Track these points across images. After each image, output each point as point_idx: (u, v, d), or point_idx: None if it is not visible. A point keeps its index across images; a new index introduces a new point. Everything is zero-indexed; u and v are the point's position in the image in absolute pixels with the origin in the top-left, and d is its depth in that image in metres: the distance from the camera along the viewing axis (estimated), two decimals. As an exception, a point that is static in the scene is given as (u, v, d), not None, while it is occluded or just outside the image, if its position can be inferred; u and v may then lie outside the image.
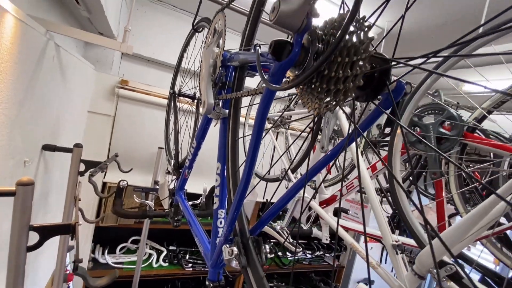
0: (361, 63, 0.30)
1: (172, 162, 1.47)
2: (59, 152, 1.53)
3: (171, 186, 1.55)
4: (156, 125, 2.76)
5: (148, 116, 2.76)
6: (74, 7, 1.79)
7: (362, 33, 0.30)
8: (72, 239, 0.99)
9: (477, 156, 1.54)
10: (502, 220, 1.21)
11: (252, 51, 0.51)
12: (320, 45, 0.34)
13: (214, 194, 0.79)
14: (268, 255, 0.61)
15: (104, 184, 2.66)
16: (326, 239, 1.87)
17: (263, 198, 2.66)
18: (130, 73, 3.10)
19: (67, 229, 0.96)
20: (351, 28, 0.30)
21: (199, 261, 3.39)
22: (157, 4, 3.08)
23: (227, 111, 0.77)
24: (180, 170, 1.45)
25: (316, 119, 1.45)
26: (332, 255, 4.71)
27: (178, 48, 1.86)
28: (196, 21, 1.54)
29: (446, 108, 1.35)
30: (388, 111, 0.39)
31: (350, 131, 0.43)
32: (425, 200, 2.40)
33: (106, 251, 3.06)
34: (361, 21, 0.31)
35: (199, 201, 1.69)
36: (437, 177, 1.26)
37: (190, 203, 1.64)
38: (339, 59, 0.31)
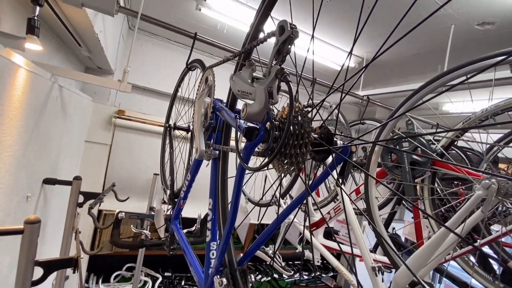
0: (305, 144, 0.42)
1: (168, 192, 1.55)
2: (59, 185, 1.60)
3: (167, 213, 1.62)
4: (151, 152, 2.85)
5: (144, 144, 2.85)
6: (76, 48, 1.94)
7: (305, 124, 0.43)
8: (74, 272, 1.05)
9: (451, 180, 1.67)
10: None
11: (233, 115, 0.63)
12: (277, 132, 0.46)
13: (207, 228, 0.88)
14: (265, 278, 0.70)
15: (100, 212, 2.71)
16: (318, 261, 1.93)
17: (257, 220, 2.71)
18: (126, 101, 3.23)
19: (70, 263, 1.03)
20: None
21: (195, 287, 3.37)
22: (152, 38, 3.27)
23: (217, 152, 0.89)
24: (176, 200, 1.53)
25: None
26: (330, 275, 4.70)
27: (172, 78, 2.00)
28: (189, 61, 1.68)
29: (417, 136, 1.48)
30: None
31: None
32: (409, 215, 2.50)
33: (100, 280, 3.03)
34: (303, 112, 0.44)
35: (193, 228, 1.76)
36: (413, 201, 1.37)
37: (185, 230, 1.71)
38: (290, 142, 0.43)
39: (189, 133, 1.76)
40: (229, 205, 0.66)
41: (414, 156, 1.47)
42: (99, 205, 2.64)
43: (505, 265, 1.34)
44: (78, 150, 2.41)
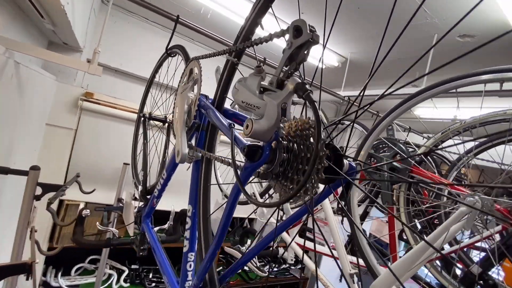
0: (317, 170, 0.36)
1: (140, 188, 1.44)
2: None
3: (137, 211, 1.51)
4: (121, 140, 2.66)
5: (113, 130, 2.65)
6: (38, 20, 1.70)
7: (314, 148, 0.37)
8: (28, 279, 0.92)
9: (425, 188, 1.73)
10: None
11: (226, 123, 0.55)
12: (285, 154, 0.40)
13: (184, 237, 0.81)
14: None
15: (61, 202, 2.49)
16: (292, 260, 1.94)
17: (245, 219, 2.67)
18: (95, 83, 2.96)
19: (22, 269, 0.90)
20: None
21: (163, 280, 3.28)
22: (127, 15, 3.01)
23: (200, 154, 0.80)
24: (148, 197, 1.43)
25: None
26: (298, 267, 4.84)
27: (147, 61, 1.83)
28: (170, 45, 1.55)
29: (397, 143, 1.51)
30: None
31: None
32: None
33: (59, 273, 2.82)
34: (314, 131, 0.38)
35: (166, 225, 1.66)
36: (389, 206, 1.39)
37: (157, 228, 1.61)
38: (300, 167, 0.37)
39: (166, 124, 1.64)
40: (218, 224, 0.59)
41: (394, 163, 1.49)
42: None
43: (468, 270, 1.43)
44: (37, 134, 2.17)
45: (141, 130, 1.74)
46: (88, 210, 1.26)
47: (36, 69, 1.76)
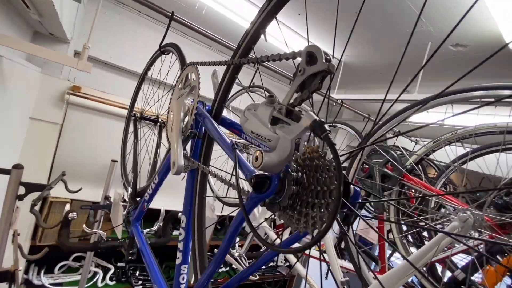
0: (334, 208, 0.35)
1: (129, 190, 1.40)
2: (-6, 173, 1.35)
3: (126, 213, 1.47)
4: (110, 136, 2.58)
5: (102, 126, 2.57)
6: (23, 9, 1.61)
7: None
8: (10, 287, 0.88)
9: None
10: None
11: (229, 143, 0.53)
12: (294, 187, 0.38)
13: (178, 249, 0.78)
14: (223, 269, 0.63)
15: (45, 198, 2.40)
16: (281, 262, 1.95)
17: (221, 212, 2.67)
18: (83, 76, 2.85)
19: (4, 277, 0.86)
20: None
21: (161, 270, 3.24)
22: (118, 7, 2.91)
23: (196, 162, 0.78)
24: (138, 199, 1.39)
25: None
26: (286, 265, 4.89)
27: (139, 55, 1.76)
28: (163, 43, 1.50)
29: (389, 150, 1.53)
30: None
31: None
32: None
33: (42, 271, 2.74)
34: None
35: (155, 227, 1.63)
36: (379, 212, 1.41)
37: (146, 230, 1.58)
38: (310, 200, 0.36)
39: (158, 124, 1.59)
40: (218, 248, 0.57)
41: (385, 169, 1.51)
42: (45, 192, 2.34)
43: (452, 276, 1.47)
44: (20, 129, 2.08)
45: (131, 129, 1.69)
46: (75, 213, 1.21)
47: (20, 61, 1.68)
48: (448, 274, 1.66)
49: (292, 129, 0.38)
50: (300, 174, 0.38)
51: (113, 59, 2.98)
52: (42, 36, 2.24)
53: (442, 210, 1.88)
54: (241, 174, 0.49)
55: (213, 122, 0.66)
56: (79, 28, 2.60)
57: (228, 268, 3.93)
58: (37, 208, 1.46)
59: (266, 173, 0.40)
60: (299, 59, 0.38)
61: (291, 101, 0.40)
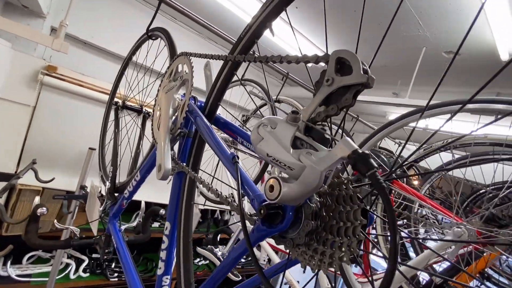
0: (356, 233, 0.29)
1: (108, 184, 1.30)
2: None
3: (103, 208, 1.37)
4: (88, 122, 2.42)
5: (80, 111, 2.40)
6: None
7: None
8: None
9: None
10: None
11: (229, 155, 0.45)
12: (313, 222, 0.32)
13: (160, 258, 0.71)
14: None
15: (12, 187, 2.22)
16: (264, 260, 1.92)
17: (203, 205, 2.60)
18: (60, 56, 2.62)
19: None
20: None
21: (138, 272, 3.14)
22: (103, -18, 2.69)
23: (184, 164, 0.70)
24: (116, 195, 1.30)
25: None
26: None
27: (123, 37, 1.62)
28: (151, 27, 1.39)
29: (380, 154, 1.51)
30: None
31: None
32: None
33: (8, 262, 2.57)
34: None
35: (135, 223, 1.54)
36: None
37: (124, 227, 1.49)
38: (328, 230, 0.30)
39: (141, 115, 1.49)
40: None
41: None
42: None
43: (430, 279, 1.51)
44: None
45: (112, 117, 1.57)
46: (45, 209, 1.11)
47: (-14, 35, 1.50)
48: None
49: (322, 158, 0.31)
50: (319, 205, 0.32)
51: (94, 39, 2.77)
52: (14, 8, 2.02)
53: (424, 212, 1.92)
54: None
55: (207, 122, 0.59)
56: (57, 1, 2.38)
57: (208, 261, 3.89)
58: (2, 198, 1.33)
59: (280, 204, 0.34)
60: (328, 68, 0.31)
61: (312, 115, 0.33)
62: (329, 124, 0.34)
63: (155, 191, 2.36)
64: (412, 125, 1.21)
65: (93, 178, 2.19)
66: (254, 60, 0.45)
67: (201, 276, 3.93)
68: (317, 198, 0.33)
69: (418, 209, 1.76)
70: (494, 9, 1.53)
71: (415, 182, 1.87)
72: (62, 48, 1.20)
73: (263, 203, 0.34)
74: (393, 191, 1.62)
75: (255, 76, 2.36)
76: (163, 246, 0.71)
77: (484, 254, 1.31)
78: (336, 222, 0.30)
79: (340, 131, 0.39)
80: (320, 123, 0.33)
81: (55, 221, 1.28)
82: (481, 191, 1.71)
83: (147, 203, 2.18)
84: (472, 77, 2.09)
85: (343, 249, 0.29)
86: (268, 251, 1.75)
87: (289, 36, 2.52)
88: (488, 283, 1.85)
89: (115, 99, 1.51)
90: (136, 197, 1.80)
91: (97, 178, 1.86)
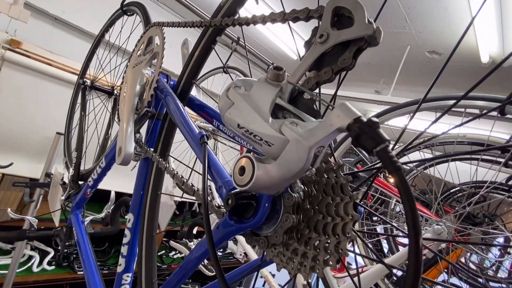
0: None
1: (71, 171, 1.18)
2: None
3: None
4: (57, 105, 2.23)
5: (47, 92, 2.21)
6: None
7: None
8: None
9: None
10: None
11: (197, 134, 0.38)
12: (294, 216, 0.25)
13: (120, 254, 0.64)
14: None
15: (-34, 171, 2.02)
16: (240, 254, 1.87)
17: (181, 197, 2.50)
18: (26, 30, 2.40)
19: None
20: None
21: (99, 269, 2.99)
22: (76, -48, 2.47)
23: (151, 150, 0.62)
24: (80, 183, 1.19)
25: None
26: (244, 252, 4.92)
27: (97, 13, 1.49)
28: (126, 1, 1.27)
29: (360, 152, 1.50)
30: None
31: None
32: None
33: (-39, 254, 2.35)
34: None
35: (103, 214, 1.43)
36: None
37: (90, 218, 1.38)
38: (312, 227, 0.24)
39: (112, 97, 1.37)
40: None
41: (355, 169, 1.48)
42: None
43: (403, 275, 1.53)
44: None
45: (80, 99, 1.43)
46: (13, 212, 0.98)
47: None
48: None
49: (312, 130, 0.23)
50: (302, 196, 0.25)
51: (66, 14, 2.55)
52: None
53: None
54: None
55: (177, 101, 0.51)
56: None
57: (183, 255, 3.80)
58: None
59: (253, 193, 0.28)
60: (322, 23, 0.24)
61: (300, 82, 0.27)
62: (319, 94, 0.28)
63: (128, 181, 2.23)
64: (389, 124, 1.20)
65: (60, 166, 2.04)
66: (233, 23, 0.38)
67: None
68: (301, 186, 0.27)
69: (395, 204, 1.77)
70: (480, 12, 1.54)
71: (391, 180, 1.89)
72: (21, 16, 1.06)
73: (232, 191, 0.27)
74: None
75: (239, 66, 2.28)
76: (125, 240, 0.63)
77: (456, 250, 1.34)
78: (322, 217, 0.24)
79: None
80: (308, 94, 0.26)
81: (9, 209, 1.15)
82: (451, 190, 1.75)
83: (118, 194, 2.06)
84: (453, 78, 2.13)
85: (330, 250, 0.23)
86: (244, 245, 1.69)
87: (276, 26, 2.45)
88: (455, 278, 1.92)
89: (84, 79, 1.38)
90: (106, 186, 1.69)
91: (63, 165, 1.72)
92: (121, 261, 0.63)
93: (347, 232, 0.23)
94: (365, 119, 0.21)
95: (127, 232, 0.63)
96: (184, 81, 0.58)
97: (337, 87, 0.30)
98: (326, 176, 0.24)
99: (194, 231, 2.01)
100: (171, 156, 0.63)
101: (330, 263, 0.23)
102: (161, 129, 0.63)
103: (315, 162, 0.23)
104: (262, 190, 0.25)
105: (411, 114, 1.06)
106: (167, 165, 0.47)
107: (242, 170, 0.25)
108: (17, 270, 2.39)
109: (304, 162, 0.22)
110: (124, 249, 0.63)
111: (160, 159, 0.50)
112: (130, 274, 0.63)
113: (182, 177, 0.40)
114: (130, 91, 0.60)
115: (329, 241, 0.24)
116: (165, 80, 0.65)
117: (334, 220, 0.23)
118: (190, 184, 0.39)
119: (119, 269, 0.63)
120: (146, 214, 0.58)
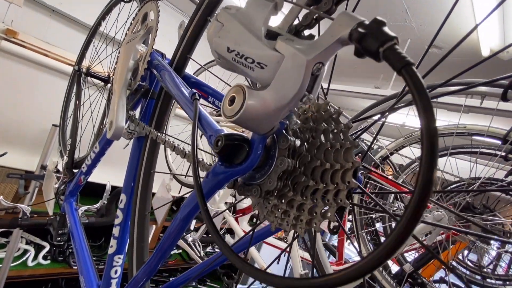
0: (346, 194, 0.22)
1: (65, 158, 1.16)
2: None
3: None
4: (53, 96, 2.20)
5: (43, 83, 2.19)
6: None
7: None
8: None
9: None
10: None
11: (188, 92, 0.37)
12: (290, 160, 0.23)
13: (112, 235, 0.62)
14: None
15: (-40, 162, 1.99)
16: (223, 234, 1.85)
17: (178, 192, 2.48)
18: (23, 20, 2.38)
19: None
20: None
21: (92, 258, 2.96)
22: None
23: (144, 128, 0.60)
24: (75, 171, 1.17)
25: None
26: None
27: (95, 6, 1.47)
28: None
29: (360, 142, 1.49)
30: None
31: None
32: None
33: (-45, 247, 2.32)
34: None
35: (98, 205, 1.41)
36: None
37: (84, 208, 1.35)
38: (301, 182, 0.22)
39: (108, 85, 1.35)
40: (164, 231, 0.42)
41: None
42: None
43: (400, 268, 1.52)
44: None
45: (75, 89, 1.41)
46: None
47: None
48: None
49: (311, 44, 0.21)
50: (300, 137, 0.23)
51: (63, 6, 2.53)
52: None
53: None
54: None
55: (172, 72, 0.49)
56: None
57: (180, 250, 3.77)
58: None
59: (244, 136, 0.26)
60: None
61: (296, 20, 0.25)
62: (318, 32, 0.26)
63: (123, 174, 2.21)
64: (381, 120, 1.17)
65: (56, 158, 2.02)
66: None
67: (173, 265, 3.82)
68: (298, 121, 0.25)
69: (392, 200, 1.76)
70: (481, 5, 1.53)
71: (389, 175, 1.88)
72: (15, 0, 1.04)
73: (221, 133, 0.25)
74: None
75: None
76: (117, 221, 0.61)
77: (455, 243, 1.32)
78: (321, 163, 0.22)
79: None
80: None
81: (1, 197, 1.12)
82: (451, 186, 1.74)
83: (114, 188, 2.04)
84: (453, 72, 2.10)
85: (328, 199, 0.21)
86: (229, 220, 1.64)
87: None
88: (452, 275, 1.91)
89: (80, 66, 1.36)
90: (101, 180, 1.67)
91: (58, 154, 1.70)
92: (113, 242, 0.61)
93: (346, 180, 0.21)
94: (367, 22, 0.19)
95: (119, 213, 0.61)
96: (179, 56, 0.56)
97: (332, 66, 0.28)
98: (325, 124, 0.22)
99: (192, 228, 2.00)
100: (169, 135, 0.61)
101: (329, 214, 0.21)
102: (155, 107, 0.61)
103: (314, 86, 0.21)
104: (254, 125, 0.23)
105: (388, 108, 1.04)
106: (159, 135, 0.44)
107: (232, 100, 0.22)
108: (12, 264, 2.37)
109: (301, 82, 0.20)
110: (115, 230, 0.61)
111: (154, 131, 0.48)
112: (121, 256, 0.61)
113: (174, 142, 0.38)
114: (123, 66, 0.58)
115: (328, 189, 0.22)
116: (161, 57, 0.64)
117: (333, 166, 0.21)
118: (181, 148, 0.37)
119: (111, 250, 0.61)
120: (139, 193, 0.56)
